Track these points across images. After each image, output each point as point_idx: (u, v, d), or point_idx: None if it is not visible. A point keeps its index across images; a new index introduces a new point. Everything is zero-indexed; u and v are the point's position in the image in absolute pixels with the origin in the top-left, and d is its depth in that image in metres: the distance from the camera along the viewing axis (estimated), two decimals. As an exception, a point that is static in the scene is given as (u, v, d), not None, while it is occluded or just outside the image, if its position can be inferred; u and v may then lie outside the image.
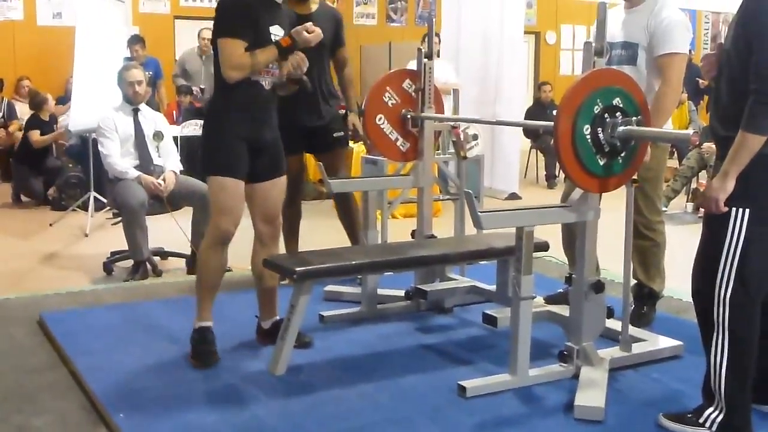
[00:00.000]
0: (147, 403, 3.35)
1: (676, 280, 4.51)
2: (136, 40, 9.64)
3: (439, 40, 9.40)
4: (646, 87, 4.04)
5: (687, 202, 8.87)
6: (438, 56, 9.12)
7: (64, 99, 9.39)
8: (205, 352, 3.76)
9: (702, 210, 7.84)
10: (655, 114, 3.86)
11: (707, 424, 3.06)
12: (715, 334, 3.01)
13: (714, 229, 3.00)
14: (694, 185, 8.90)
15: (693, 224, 7.87)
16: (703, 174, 8.71)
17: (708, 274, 3.00)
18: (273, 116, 3.83)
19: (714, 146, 8.47)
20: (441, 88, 4.89)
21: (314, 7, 5.00)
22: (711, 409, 3.07)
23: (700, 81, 11.91)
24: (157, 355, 3.89)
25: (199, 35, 10.24)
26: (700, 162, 8.57)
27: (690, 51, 4.25)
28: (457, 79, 8.93)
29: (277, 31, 3.72)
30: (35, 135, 8.80)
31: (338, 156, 5.19)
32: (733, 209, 2.91)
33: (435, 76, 4.66)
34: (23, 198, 8.99)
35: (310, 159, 6.21)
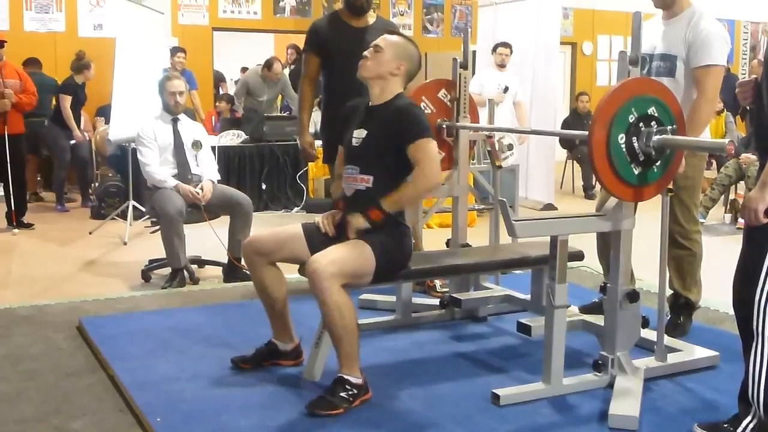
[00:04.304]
0: (183, 407, 3.39)
1: (714, 291, 4.47)
2: (178, 50, 9.79)
3: (511, 51, 9.20)
4: (684, 99, 4.02)
5: (725, 213, 8.79)
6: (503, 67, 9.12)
7: (104, 110, 9.53)
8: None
9: (741, 221, 7.81)
10: (690, 126, 3.84)
11: (744, 435, 3.04)
12: (754, 344, 2.99)
13: (755, 240, 2.98)
14: (732, 196, 8.82)
15: (731, 235, 7.80)
16: (741, 186, 8.63)
17: (749, 284, 2.98)
18: None
19: (752, 156, 8.40)
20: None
21: (371, 20, 4.99)
22: (749, 419, 3.04)
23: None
24: (193, 360, 3.94)
25: (270, 67, 10.36)
26: (738, 171, 8.49)
27: (728, 61, 4.23)
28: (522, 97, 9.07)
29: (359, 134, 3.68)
30: (67, 102, 8.96)
31: None
32: None
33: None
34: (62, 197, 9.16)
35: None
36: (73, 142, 9.16)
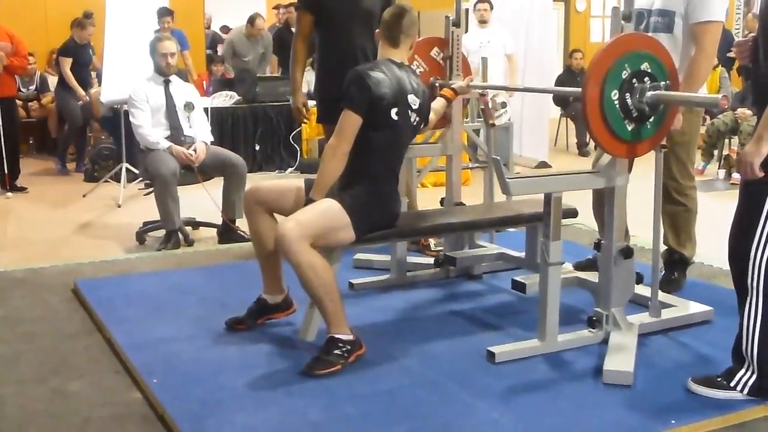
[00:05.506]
0: (180, 367, 3.40)
1: (708, 246, 4.48)
2: (165, 13, 9.68)
3: (491, 6, 9.14)
4: (683, 55, 4.01)
5: (719, 168, 8.79)
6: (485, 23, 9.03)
7: (97, 71, 9.46)
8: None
9: (735, 176, 7.83)
10: (688, 81, 3.83)
11: (738, 387, 3.06)
12: (749, 298, 3.01)
13: (751, 194, 2.98)
14: (726, 152, 8.82)
15: (725, 191, 7.82)
16: (735, 142, 8.64)
17: (744, 239, 2.99)
18: None
19: (747, 111, 8.38)
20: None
21: None
22: (742, 372, 3.07)
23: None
24: (189, 321, 3.95)
25: (253, 22, 10.28)
26: (734, 122, 8.49)
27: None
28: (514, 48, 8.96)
29: None
30: (66, 64, 8.94)
31: None
32: None
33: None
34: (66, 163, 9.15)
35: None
36: (80, 103, 9.11)
